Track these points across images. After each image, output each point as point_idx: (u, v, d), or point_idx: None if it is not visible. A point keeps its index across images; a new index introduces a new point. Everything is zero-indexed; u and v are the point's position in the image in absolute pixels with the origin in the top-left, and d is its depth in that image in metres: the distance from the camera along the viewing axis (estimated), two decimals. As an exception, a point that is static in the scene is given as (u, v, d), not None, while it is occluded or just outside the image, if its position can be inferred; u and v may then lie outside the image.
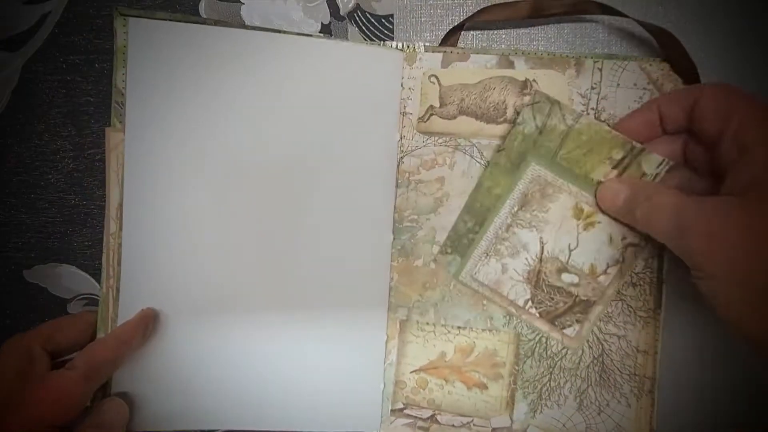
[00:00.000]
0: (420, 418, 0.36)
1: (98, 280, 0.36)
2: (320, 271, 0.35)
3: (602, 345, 0.35)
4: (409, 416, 0.36)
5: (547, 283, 0.35)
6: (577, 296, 0.35)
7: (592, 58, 0.35)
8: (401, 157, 0.36)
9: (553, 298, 0.35)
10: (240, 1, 0.36)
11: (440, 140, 0.36)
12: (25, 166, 0.36)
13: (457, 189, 0.36)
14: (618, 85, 0.35)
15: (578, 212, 0.35)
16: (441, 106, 0.36)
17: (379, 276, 0.36)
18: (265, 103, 0.34)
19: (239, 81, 0.34)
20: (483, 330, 0.36)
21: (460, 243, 0.36)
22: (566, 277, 0.35)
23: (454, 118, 0.36)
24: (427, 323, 0.36)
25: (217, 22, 0.34)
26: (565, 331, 0.35)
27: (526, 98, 0.35)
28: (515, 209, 0.35)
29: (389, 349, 0.36)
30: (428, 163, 0.36)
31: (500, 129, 0.35)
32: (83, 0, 0.36)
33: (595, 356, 0.35)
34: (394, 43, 0.36)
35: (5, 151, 0.36)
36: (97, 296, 0.37)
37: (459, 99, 0.36)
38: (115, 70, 0.33)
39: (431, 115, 0.36)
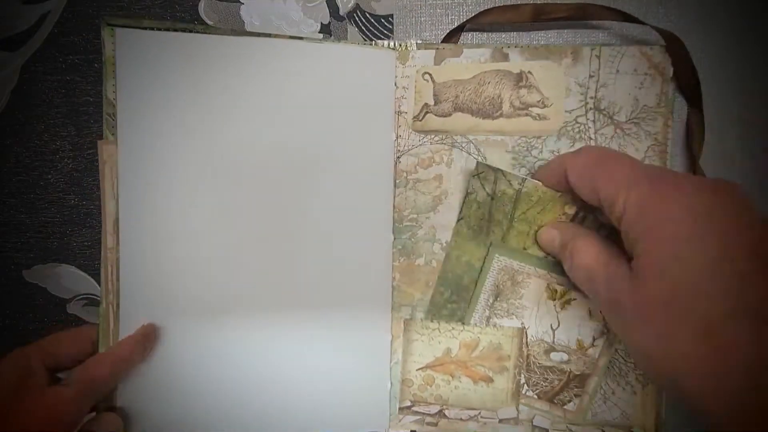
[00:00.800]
0: (428, 414, 0.37)
1: (98, 281, 0.37)
2: (322, 274, 0.35)
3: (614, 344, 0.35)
4: (417, 413, 0.37)
5: (537, 364, 0.36)
6: (570, 372, 0.36)
7: (589, 46, 0.34)
8: (398, 157, 0.36)
9: (546, 378, 0.36)
10: (239, 1, 0.36)
11: (436, 138, 0.35)
12: (24, 166, 0.37)
13: (456, 186, 0.35)
14: (617, 71, 0.34)
15: (552, 293, 0.35)
16: (436, 104, 0.35)
17: (382, 276, 0.36)
18: (259, 109, 0.34)
19: (232, 88, 0.34)
20: (486, 325, 0.36)
21: (440, 314, 0.36)
22: (555, 356, 0.36)
23: (450, 115, 0.35)
24: (431, 321, 0.36)
25: (206, 30, 0.33)
26: (565, 407, 0.36)
27: (522, 91, 0.35)
28: (491, 301, 0.35)
29: (394, 348, 0.36)
30: (425, 162, 0.36)
31: (496, 124, 0.35)
32: (83, 0, 0.36)
33: (611, 356, 0.35)
34: (386, 42, 0.35)
35: (5, 151, 0.36)
36: (97, 296, 0.37)
37: (453, 95, 0.35)
38: (105, 81, 0.33)
39: (426, 113, 0.35)
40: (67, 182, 0.37)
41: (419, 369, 0.37)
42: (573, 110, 0.35)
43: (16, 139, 0.36)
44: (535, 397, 0.36)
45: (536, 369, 0.36)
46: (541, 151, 0.35)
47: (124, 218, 0.33)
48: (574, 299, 0.35)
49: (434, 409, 0.37)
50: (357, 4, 0.36)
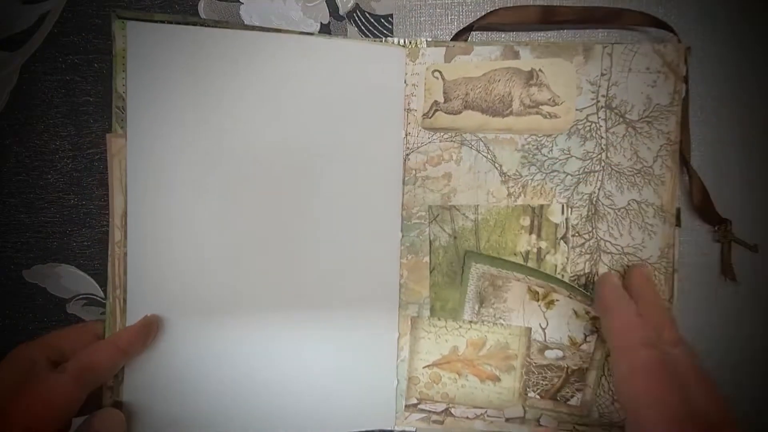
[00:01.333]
0: (434, 412, 0.37)
1: (97, 281, 0.37)
2: (330, 272, 0.35)
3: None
4: (423, 411, 0.37)
5: (534, 364, 0.36)
6: (568, 368, 0.36)
7: (601, 44, 0.34)
8: (407, 154, 0.36)
9: (546, 377, 0.36)
10: (239, 1, 0.36)
11: (446, 136, 0.35)
12: (24, 166, 0.36)
13: (464, 184, 0.35)
14: (630, 69, 0.34)
15: (534, 294, 0.35)
16: (445, 101, 0.35)
17: (389, 274, 0.36)
18: (268, 104, 0.34)
19: (241, 82, 0.34)
20: (494, 324, 0.36)
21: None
22: (550, 354, 0.36)
23: (459, 112, 0.35)
24: (438, 319, 0.36)
25: (217, 23, 0.33)
26: (569, 402, 0.36)
27: (532, 89, 0.34)
28: (476, 308, 0.36)
29: (401, 345, 0.36)
30: (434, 159, 0.36)
31: (506, 122, 0.35)
32: (82, 0, 0.36)
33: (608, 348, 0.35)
34: (396, 39, 0.35)
35: (4, 151, 0.36)
36: (96, 296, 0.37)
37: (464, 93, 0.35)
38: (115, 75, 0.33)
39: (436, 110, 0.35)
40: (67, 182, 0.37)
41: (426, 367, 0.36)
42: (584, 108, 0.34)
43: (16, 139, 0.36)
44: (538, 397, 0.36)
45: (534, 369, 0.36)
46: (551, 150, 0.35)
47: (132, 212, 0.33)
48: (557, 300, 0.35)
49: (440, 407, 0.37)
50: (357, 3, 0.36)
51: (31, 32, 0.35)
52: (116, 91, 0.33)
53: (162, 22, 0.33)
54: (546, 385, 0.36)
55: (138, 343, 0.33)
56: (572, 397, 0.36)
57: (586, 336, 0.35)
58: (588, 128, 0.34)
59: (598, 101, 0.34)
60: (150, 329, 0.33)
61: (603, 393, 0.35)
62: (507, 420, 0.36)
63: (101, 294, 0.37)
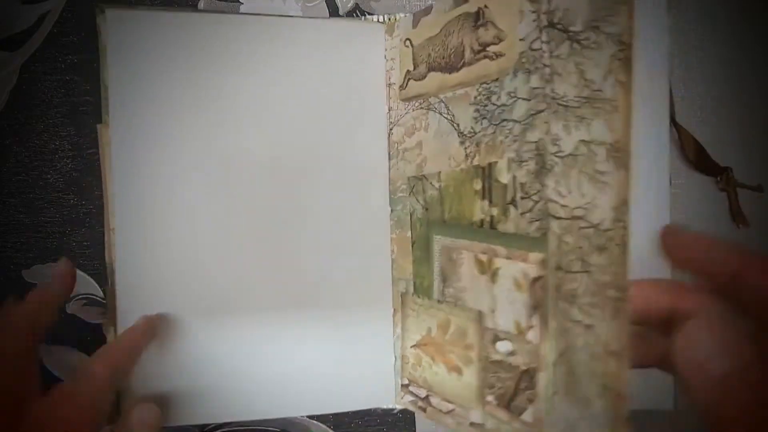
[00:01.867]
0: (419, 398, 0.34)
1: (97, 281, 0.37)
2: (323, 254, 0.36)
3: (566, 336, 0.25)
4: (411, 393, 0.35)
5: (489, 359, 0.29)
6: (518, 367, 0.27)
7: None
8: (391, 129, 0.36)
9: (500, 377, 0.28)
10: (239, 1, 0.37)
11: (416, 104, 0.34)
12: (24, 166, 0.36)
13: (433, 151, 0.33)
14: None
15: (481, 266, 0.29)
16: (414, 68, 0.34)
17: (382, 249, 0.36)
18: (253, 91, 0.34)
19: (226, 69, 0.34)
20: (455, 305, 0.31)
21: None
22: (501, 346, 0.28)
23: (425, 77, 0.33)
24: (419, 296, 0.34)
25: (195, 9, 0.35)
26: (522, 417, 0.27)
27: (480, 30, 0.29)
28: (441, 287, 0.31)
29: (396, 321, 0.36)
30: (410, 130, 0.34)
31: (459, 76, 0.31)
32: (82, 0, 0.36)
33: (560, 351, 0.25)
34: (375, 17, 0.36)
35: (4, 151, 0.36)
36: (96, 296, 0.37)
37: (427, 55, 0.33)
38: (102, 67, 0.32)
39: (408, 80, 0.34)
40: (67, 182, 0.37)
41: (412, 346, 0.35)
42: (527, 36, 0.27)
43: (16, 138, 0.36)
44: (496, 404, 0.28)
45: (489, 365, 0.29)
46: (500, 96, 0.28)
47: (119, 209, 0.33)
48: (500, 267, 0.27)
49: (423, 392, 0.34)
50: (356, 3, 0.37)
51: (31, 32, 0.36)
52: (104, 84, 0.33)
53: (141, 9, 0.33)
54: (500, 388, 0.28)
55: (146, 342, 0.33)
56: (524, 410, 0.27)
57: (530, 317, 0.26)
58: (532, 59, 0.27)
59: (539, 21, 0.26)
60: (151, 325, 0.33)
61: (558, 412, 0.25)
62: (471, 424, 0.30)
63: (101, 294, 0.37)
